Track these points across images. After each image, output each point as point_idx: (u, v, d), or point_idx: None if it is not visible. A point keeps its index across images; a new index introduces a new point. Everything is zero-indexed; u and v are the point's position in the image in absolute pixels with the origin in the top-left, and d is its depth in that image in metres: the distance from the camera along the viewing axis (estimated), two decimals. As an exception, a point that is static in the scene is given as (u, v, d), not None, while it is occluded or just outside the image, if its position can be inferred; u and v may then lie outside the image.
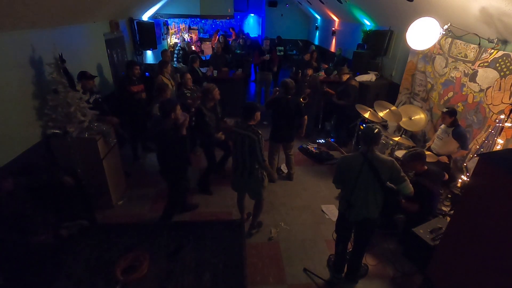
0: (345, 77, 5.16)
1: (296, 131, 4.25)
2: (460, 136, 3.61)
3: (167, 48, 9.06)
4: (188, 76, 4.68)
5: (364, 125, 4.90)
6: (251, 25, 14.46)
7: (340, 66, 7.91)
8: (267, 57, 6.87)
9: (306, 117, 4.17)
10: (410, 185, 2.41)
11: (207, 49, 10.82)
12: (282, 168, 4.88)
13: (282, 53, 7.91)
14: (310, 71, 5.64)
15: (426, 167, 3.17)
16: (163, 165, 3.14)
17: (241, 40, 10.10)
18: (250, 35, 13.17)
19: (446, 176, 3.40)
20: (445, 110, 3.67)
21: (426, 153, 3.33)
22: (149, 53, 7.68)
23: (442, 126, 3.82)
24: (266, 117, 6.99)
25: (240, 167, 3.00)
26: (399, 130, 5.03)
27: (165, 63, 4.95)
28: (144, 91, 4.61)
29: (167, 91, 4.02)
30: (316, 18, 12.42)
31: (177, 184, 3.24)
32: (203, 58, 8.70)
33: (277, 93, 4.19)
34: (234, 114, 6.52)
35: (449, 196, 3.74)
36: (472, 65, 3.90)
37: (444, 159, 3.71)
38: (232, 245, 2.30)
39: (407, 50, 5.24)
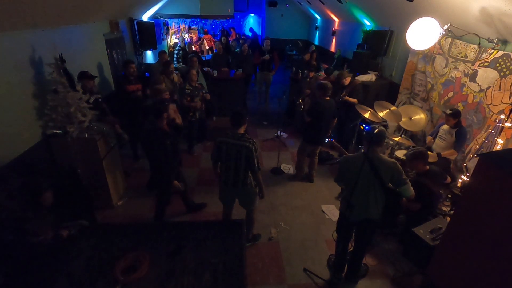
0: (347, 81, 5.15)
1: None
2: (461, 137, 3.60)
3: (167, 48, 9.07)
4: (194, 72, 4.72)
5: (364, 125, 4.89)
6: (251, 25, 14.45)
7: (340, 66, 7.96)
8: (267, 57, 6.88)
9: (336, 118, 4.35)
10: (411, 188, 2.39)
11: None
12: (282, 168, 4.88)
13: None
14: (312, 74, 5.65)
15: (428, 167, 3.17)
16: (153, 167, 3.10)
17: (241, 40, 10.11)
18: (249, 35, 13.18)
19: (449, 179, 3.39)
20: (449, 112, 3.60)
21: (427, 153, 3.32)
22: (149, 53, 7.68)
23: (445, 127, 3.78)
24: (266, 117, 7.02)
25: (232, 178, 2.81)
26: (399, 130, 5.02)
27: (168, 63, 5.02)
28: (141, 90, 4.61)
29: (162, 95, 3.81)
30: (316, 18, 12.43)
31: (166, 187, 3.18)
32: (203, 58, 8.71)
33: (307, 105, 4.20)
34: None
35: (449, 196, 3.73)
36: (472, 65, 3.90)
37: (448, 154, 3.70)
38: (232, 245, 2.30)
39: (407, 50, 5.24)
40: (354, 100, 4.92)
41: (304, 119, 4.22)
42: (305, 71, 5.87)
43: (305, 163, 4.53)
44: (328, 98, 3.99)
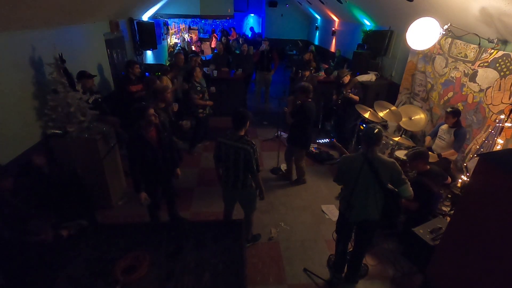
0: (347, 78, 5.14)
1: None
2: (459, 137, 3.60)
3: (167, 48, 9.08)
4: (198, 69, 4.76)
5: (364, 125, 4.89)
6: (251, 25, 14.47)
7: (340, 66, 7.95)
8: (263, 47, 6.92)
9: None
10: (410, 188, 2.39)
11: (207, 49, 10.85)
12: (282, 168, 4.88)
13: None
14: (307, 73, 5.65)
15: (428, 167, 3.17)
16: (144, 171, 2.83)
17: (241, 40, 10.13)
18: (248, 35, 13.21)
19: (449, 180, 3.39)
20: (449, 110, 3.62)
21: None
22: (149, 53, 7.68)
23: (444, 126, 3.80)
24: (266, 117, 7.02)
25: (232, 179, 2.79)
26: (399, 130, 5.02)
27: (176, 66, 5.07)
28: (143, 91, 4.63)
29: (165, 94, 3.61)
30: (316, 18, 12.43)
31: (154, 191, 3.01)
32: (203, 58, 8.71)
33: (295, 101, 4.01)
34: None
35: (449, 196, 3.74)
36: (472, 65, 3.90)
37: (448, 154, 3.70)
38: (232, 245, 2.30)
39: (407, 50, 5.24)
40: (357, 98, 4.93)
41: (287, 120, 4.03)
42: (302, 71, 5.88)
43: (293, 168, 4.42)
44: (310, 100, 3.83)
